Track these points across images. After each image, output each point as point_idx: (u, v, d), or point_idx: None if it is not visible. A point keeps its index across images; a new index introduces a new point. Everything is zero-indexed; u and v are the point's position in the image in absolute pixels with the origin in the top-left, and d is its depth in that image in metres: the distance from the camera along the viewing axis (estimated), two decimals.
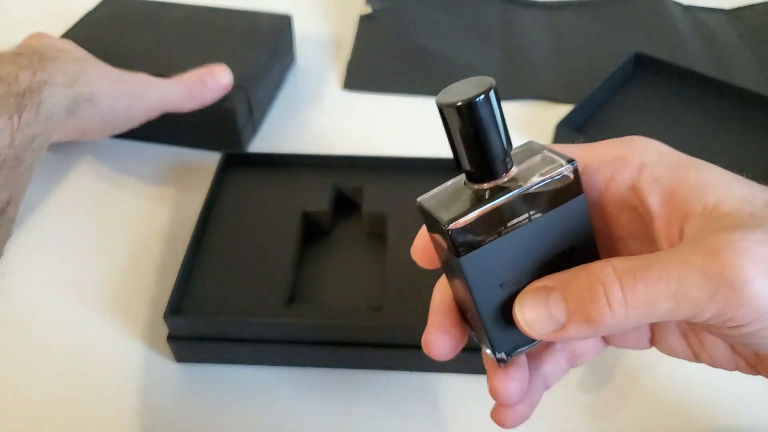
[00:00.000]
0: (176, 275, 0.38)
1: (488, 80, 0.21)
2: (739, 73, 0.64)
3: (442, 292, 0.26)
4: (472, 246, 0.22)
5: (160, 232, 0.46)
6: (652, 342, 0.28)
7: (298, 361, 0.39)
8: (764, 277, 0.20)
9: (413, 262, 0.27)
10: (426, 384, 0.38)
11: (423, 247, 0.26)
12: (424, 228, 0.25)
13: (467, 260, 0.22)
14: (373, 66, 0.65)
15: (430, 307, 0.26)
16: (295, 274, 0.42)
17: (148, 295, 0.42)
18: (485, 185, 0.22)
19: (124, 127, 0.48)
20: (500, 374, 0.25)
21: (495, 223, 0.22)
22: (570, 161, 0.22)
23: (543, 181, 0.22)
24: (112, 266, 0.44)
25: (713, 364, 0.27)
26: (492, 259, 0.22)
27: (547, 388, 0.28)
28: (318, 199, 0.46)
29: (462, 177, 0.23)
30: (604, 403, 0.36)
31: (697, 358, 0.27)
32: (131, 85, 0.47)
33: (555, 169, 0.22)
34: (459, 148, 0.22)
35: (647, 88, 0.59)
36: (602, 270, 0.21)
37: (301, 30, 0.65)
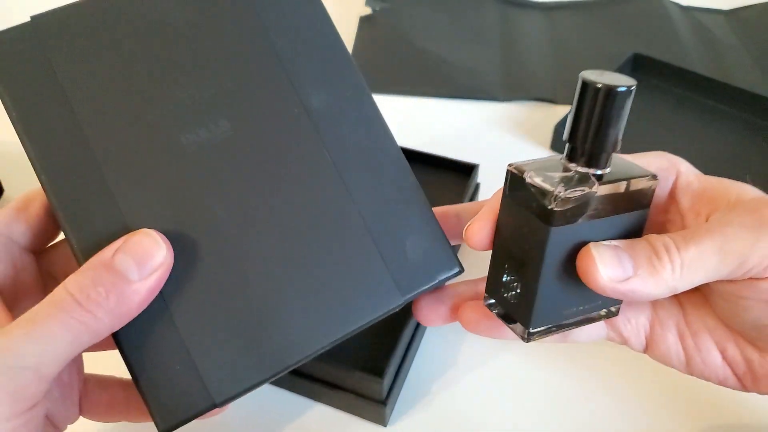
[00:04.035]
0: None
1: (633, 80, 0.23)
2: (737, 73, 0.64)
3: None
4: (563, 221, 0.24)
5: None
6: (648, 341, 0.30)
7: None
8: None
9: None
10: None
11: (486, 225, 0.27)
12: (486, 208, 0.27)
13: (556, 232, 0.24)
14: (373, 67, 0.65)
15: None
16: None
17: None
18: (589, 170, 0.24)
19: None
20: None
21: (585, 208, 0.24)
22: (654, 176, 0.25)
23: (633, 186, 0.25)
24: None
25: (703, 371, 0.29)
26: (568, 239, 0.25)
27: None
28: None
29: (554, 157, 0.26)
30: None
31: (688, 365, 0.29)
32: None
33: (643, 178, 0.25)
34: (585, 126, 0.24)
35: (645, 89, 0.60)
36: (660, 237, 0.25)
37: None
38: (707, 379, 0.29)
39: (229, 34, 0.28)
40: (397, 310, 0.28)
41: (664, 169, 0.27)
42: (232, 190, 0.27)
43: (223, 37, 0.28)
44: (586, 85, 0.23)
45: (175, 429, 0.25)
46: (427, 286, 0.28)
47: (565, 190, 0.23)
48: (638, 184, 0.25)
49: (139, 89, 0.27)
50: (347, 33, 0.70)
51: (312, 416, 0.36)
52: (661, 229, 0.28)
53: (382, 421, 0.35)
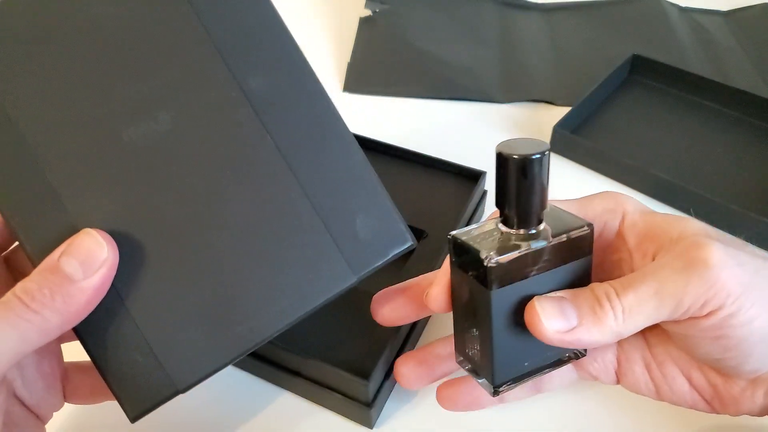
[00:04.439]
0: None
1: (545, 144, 0.24)
2: (736, 75, 0.64)
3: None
4: (503, 282, 0.25)
5: None
6: (618, 375, 0.31)
7: None
8: (727, 258, 0.24)
9: None
10: None
11: (442, 290, 0.28)
12: (440, 273, 0.28)
13: (497, 293, 0.25)
14: (373, 68, 0.65)
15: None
16: None
17: None
18: (522, 231, 0.25)
19: None
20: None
21: (524, 266, 0.25)
22: (589, 225, 0.26)
23: (568, 238, 0.25)
24: None
25: (672, 398, 0.30)
26: (514, 297, 0.25)
27: (501, 401, 0.32)
28: None
29: (491, 221, 0.26)
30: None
31: (657, 393, 0.30)
32: None
33: (577, 230, 0.26)
34: (509, 194, 0.25)
35: (644, 90, 0.60)
36: (602, 285, 0.26)
37: (300, 32, 0.65)
38: (678, 405, 0.30)
39: (162, 24, 0.28)
40: (353, 287, 0.28)
41: (610, 210, 0.28)
42: (177, 181, 0.27)
43: (156, 29, 0.28)
44: (502, 158, 0.24)
45: (144, 416, 0.26)
46: (379, 263, 0.28)
47: (499, 254, 0.24)
48: (573, 235, 0.26)
49: (74, 87, 0.27)
50: (347, 34, 0.71)
51: (300, 414, 0.36)
52: (615, 267, 0.29)
53: (369, 423, 0.35)
